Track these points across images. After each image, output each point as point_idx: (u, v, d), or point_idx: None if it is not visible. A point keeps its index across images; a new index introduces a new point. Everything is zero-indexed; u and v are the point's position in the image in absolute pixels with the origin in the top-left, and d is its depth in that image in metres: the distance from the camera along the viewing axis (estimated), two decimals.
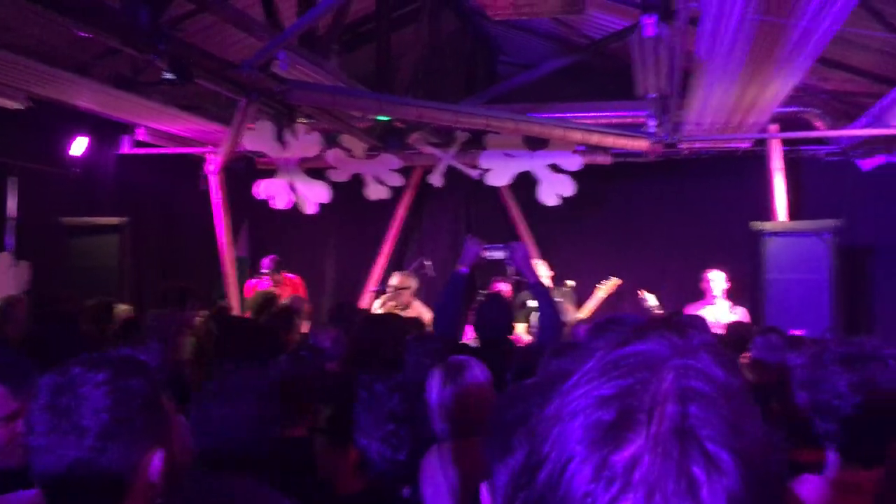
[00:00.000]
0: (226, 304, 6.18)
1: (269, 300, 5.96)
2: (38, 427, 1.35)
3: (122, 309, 5.98)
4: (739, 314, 7.16)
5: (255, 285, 7.89)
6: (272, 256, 7.96)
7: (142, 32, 4.52)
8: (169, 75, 4.67)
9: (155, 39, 4.56)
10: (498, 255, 4.52)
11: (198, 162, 8.92)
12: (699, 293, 7.52)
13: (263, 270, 7.91)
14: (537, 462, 0.68)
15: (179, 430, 3.11)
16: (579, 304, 7.37)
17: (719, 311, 7.19)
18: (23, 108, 6.32)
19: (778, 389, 3.19)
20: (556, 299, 7.09)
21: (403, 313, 7.26)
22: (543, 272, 7.19)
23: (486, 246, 4.51)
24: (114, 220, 7.81)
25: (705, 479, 0.61)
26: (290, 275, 8.13)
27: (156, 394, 1.44)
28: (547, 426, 0.69)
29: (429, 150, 8.61)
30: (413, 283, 7.23)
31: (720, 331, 6.50)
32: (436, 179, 8.68)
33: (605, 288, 7.37)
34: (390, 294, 7.20)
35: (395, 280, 7.35)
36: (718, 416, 0.65)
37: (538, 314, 4.40)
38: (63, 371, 1.39)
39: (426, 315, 7.09)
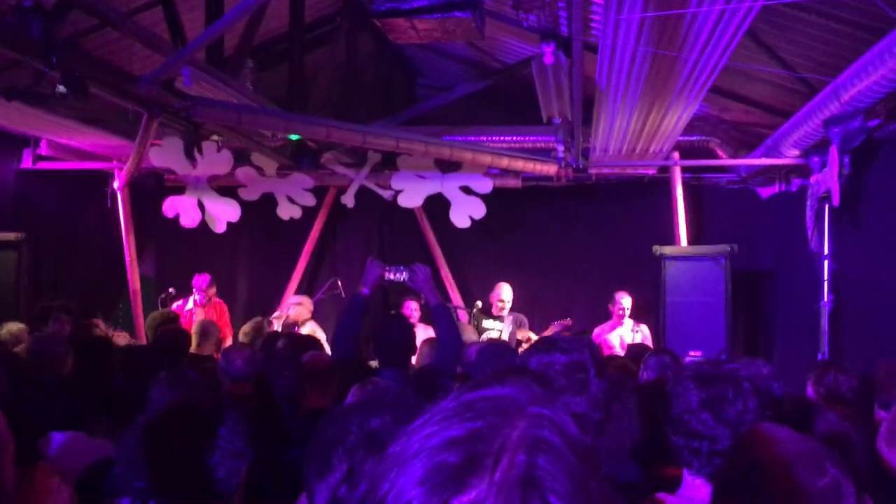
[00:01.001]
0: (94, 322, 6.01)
1: (166, 321, 5.85)
2: None
3: (15, 328, 5.77)
4: (643, 333, 7.36)
5: (182, 306, 7.70)
6: (206, 276, 7.79)
7: (34, 45, 4.39)
8: (62, 89, 4.54)
9: (48, 52, 4.43)
10: (399, 276, 4.53)
11: (104, 178, 8.70)
12: (606, 314, 7.71)
13: (197, 290, 7.71)
14: (375, 501, 0.65)
15: (63, 447, 3.01)
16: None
17: (624, 331, 7.39)
18: None
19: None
20: (507, 327, 7.25)
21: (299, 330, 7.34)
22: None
23: (387, 268, 4.53)
24: (11, 235, 7.51)
25: None
26: (217, 299, 7.99)
27: None
28: (388, 465, 0.67)
29: (341, 170, 8.60)
30: (307, 303, 7.52)
31: (621, 351, 6.68)
32: (348, 200, 8.66)
33: (553, 328, 7.51)
34: (290, 310, 7.38)
35: (293, 300, 7.66)
36: (566, 472, 0.64)
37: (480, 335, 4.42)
38: None
39: (320, 334, 7.19)
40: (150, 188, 8.05)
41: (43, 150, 8.04)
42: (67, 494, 2.76)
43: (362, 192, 8.68)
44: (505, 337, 7.15)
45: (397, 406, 1.28)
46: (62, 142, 7.90)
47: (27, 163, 8.09)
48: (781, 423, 1.65)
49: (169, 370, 3.02)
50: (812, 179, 6.85)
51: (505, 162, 7.38)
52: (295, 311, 7.56)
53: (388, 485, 0.65)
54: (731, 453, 1.69)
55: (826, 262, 6.59)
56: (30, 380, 3.41)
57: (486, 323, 7.35)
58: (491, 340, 6.45)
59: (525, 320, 7.57)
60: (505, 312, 7.44)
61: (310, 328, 7.36)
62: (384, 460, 0.69)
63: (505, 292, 7.54)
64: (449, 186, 8.38)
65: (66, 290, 8.41)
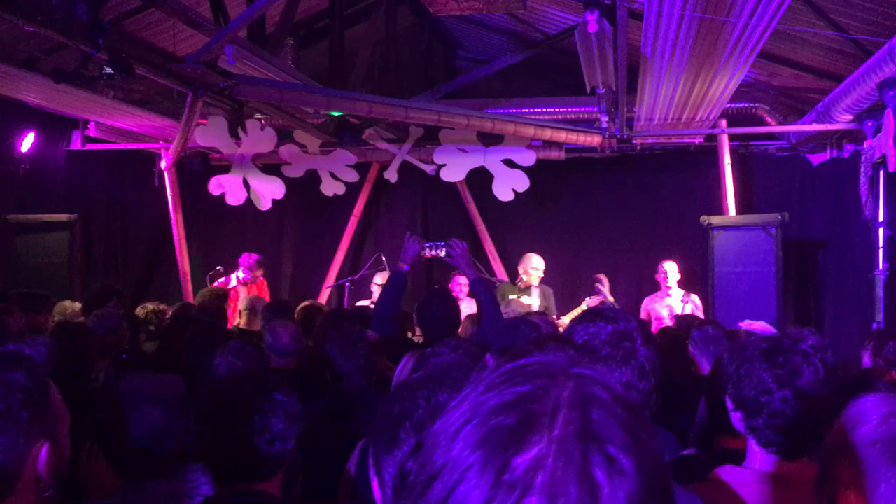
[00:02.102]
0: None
1: (218, 297, 5.95)
2: None
3: (69, 306, 5.91)
4: (693, 303, 7.27)
5: (225, 283, 7.79)
6: (255, 256, 7.85)
7: (80, 27, 4.45)
8: (109, 70, 4.61)
9: (94, 34, 4.49)
10: (438, 252, 4.55)
11: (151, 158, 8.83)
12: (653, 286, 7.63)
13: (245, 268, 7.79)
14: (431, 474, 0.66)
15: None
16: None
17: (674, 301, 7.30)
18: None
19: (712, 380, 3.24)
20: (535, 300, 7.17)
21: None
22: None
23: (426, 244, 4.54)
24: (63, 216, 7.69)
25: (607, 482, 0.61)
26: (261, 278, 8.07)
27: (40, 387, 1.44)
28: (438, 439, 0.68)
29: (383, 145, 8.60)
30: None
31: (670, 323, 6.61)
32: (391, 175, 8.67)
33: (586, 303, 7.40)
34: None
35: (379, 279, 7.58)
36: (618, 423, 0.65)
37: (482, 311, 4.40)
38: None
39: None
40: (197, 167, 8.14)
41: (91, 131, 8.19)
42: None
43: (405, 167, 8.68)
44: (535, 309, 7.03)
45: (464, 379, 1.28)
46: (110, 123, 8.02)
47: (76, 144, 8.25)
48: (846, 392, 1.62)
49: (231, 343, 3.08)
50: (866, 145, 6.66)
51: (548, 133, 7.30)
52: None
53: (443, 456, 0.65)
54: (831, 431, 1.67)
55: (881, 230, 6.42)
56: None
57: (513, 296, 7.22)
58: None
59: (551, 293, 7.43)
60: (534, 284, 7.33)
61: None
62: (432, 437, 0.69)
63: (532, 261, 7.39)
64: (491, 160, 8.33)
65: (116, 268, 8.61)
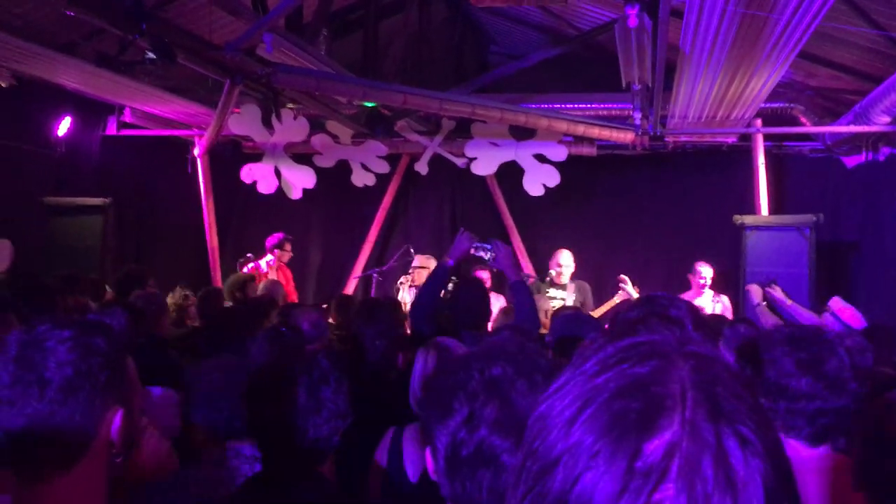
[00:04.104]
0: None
1: (242, 283, 5.99)
2: (3, 379, 1.37)
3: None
4: (723, 304, 7.23)
5: (255, 268, 7.83)
6: (279, 235, 7.89)
7: (124, 12, 4.50)
8: (151, 55, 4.66)
9: (138, 19, 4.54)
10: (485, 255, 4.56)
11: (185, 145, 8.91)
12: (684, 284, 7.58)
13: (268, 249, 7.84)
14: (547, 462, 0.63)
15: (165, 401, 3.13)
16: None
17: (704, 301, 7.26)
18: (6, 85, 6.29)
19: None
20: (570, 294, 7.16)
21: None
22: None
23: (476, 244, 4.55)
24: (97, 200, 7.78)
25: (742, 464, 0.59)
26: (284, 265, 8.10)
27: (119, 354, 1.47)
28: (548, 425, 0.65)
29: (415, 137, 8.62)
30: (432, 263, 7.43)
31: None
32: (422, 167, 8.68)
33: (622, 294, 7.39)
34: (412, 273, 7.51)
35: (417, 262, 7.62)
36: (742, 402, 0.64)
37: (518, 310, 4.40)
38: (30, 328, 1.42)
39: None
40: (229, 155, 8.19)
41: (127, 117, 8.27)
42: (167, 447, 2.87)
43: (435, 160, 8.69)
44: (570, 304, 7.05)
45: (519, 356, 1.29)
46: (145, 109, 8.10)
47: (112, 130, 8.34)
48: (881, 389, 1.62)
49: (267, 328, 3.09)
50: None
51: (581, 129, 7.28)
52: (420, 275, 7.59)
53: (560, 443, 0.63)
54: (866, 424, 1.67)
55: None
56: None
57: (550, 292, 7.26)
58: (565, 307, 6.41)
59: (588, 288, 7.42)
60: (565, 280, 7.33)
61: None
62: (538, 421, 0.67)
63: (563, 257, 7.40)
64: (523, 154, 8.32)
65: (148, 252, 8.70)
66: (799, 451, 1.82)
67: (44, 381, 1.35)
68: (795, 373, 1.83)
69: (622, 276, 7.32)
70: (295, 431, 1.89)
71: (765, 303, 6.52)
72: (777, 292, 6.60)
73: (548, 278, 7.42)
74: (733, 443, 0.60)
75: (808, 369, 1.82)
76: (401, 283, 7.71)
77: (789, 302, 6.40)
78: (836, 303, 5.05)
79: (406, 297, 7.51)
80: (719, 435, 0.60)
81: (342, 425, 1.97)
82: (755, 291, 6.68)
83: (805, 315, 5.94)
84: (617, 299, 7.34)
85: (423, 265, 7.54)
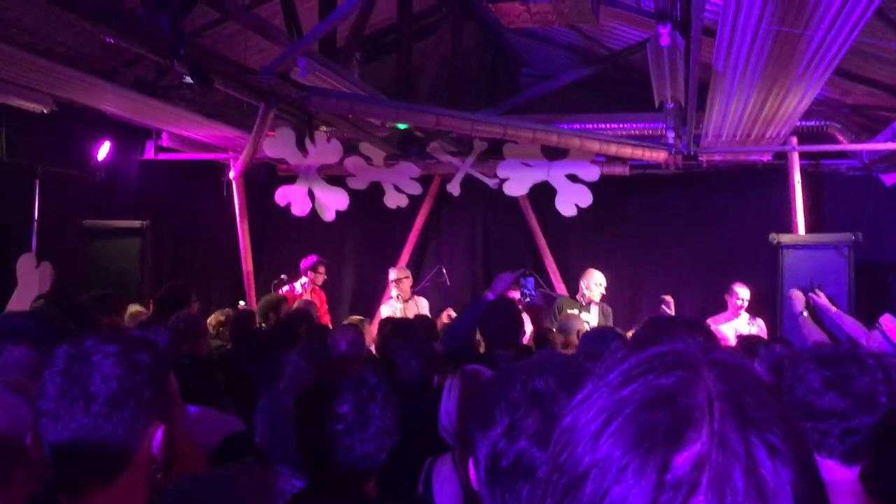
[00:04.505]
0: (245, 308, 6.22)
1: (276, 304, 6.05)
2: (49, 392, 1.40)
3: (134, 309, 6.09)
4: (758, 327, 7.13)
5: (288, 291, 7.90)
6: (313, 258, 7.97)
7: (163, 38, 4.60)
8: (189, 80, 4.75)
9: (176, 45, 4.64)
10: (523, 291, 4.62)
11: (221, 168, 9.05)
12: (718, 305, 7.49)
13: (302, 272, 7.91)
14: (575, 477, 0.63)
15: (203, 419, 3.15)
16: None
17: (740, 323, 7.16)
18: (47, 111, 6.45)
19: None
20: (594, 317, 7.12)
21: (405, 306, 7.47)
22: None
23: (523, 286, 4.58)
24: (135, 223, 7.92)
25: (772, 474, 0.59)
26: (318, 288, 8.16)
27: (163, 370, 1.50)
28: (576, 436, 0.65)
29: (447, 158, 8.66)
30: (408, 273, 7.81)
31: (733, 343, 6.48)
32: (454, 188, 8.72)
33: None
34: (395, 289, 7.66)
35: (392, 275, 7.76)
36: (770, 410, 0.63)
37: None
38: (77, 342, 1.45)
39: (424, 306, 7.34)
40: (264, 178, 8.30)
41: (164, 141, 8.42)
42: (202, 464, 2.89)
43: (468, 181, 8.72)
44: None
45: (563, 369, 1.29)
46: (182, 134, 8.25)
47: (150, 154, 8.50)
48: None
49: (300, 347, 3.11)
50: None
51: (613, 149, 7.27)
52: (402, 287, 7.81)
53: (588, 456, 0.62)
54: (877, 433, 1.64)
55: None
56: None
57: (573, 310, 7.15)
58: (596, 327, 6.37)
59: (610, 311, 7.34)
60: (596, 299, 7.28)
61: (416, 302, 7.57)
62: (563, 434, 0.66)
63: (596, 278, 7.34)
64: (555, 174, 8.31)
65: (185, 274, 8.81)
66: (834, 472, 1.79)
67: (89, 395, 1.38)
68: (821, 390, 1.80)
69: (667, 296, 7.22)
70: (341, 448, 1.89)
71: (807, 312, 6.41)
72: (821, 298, 6.49)
73: (580, 297, 7.38)
74: (762, 452, 0.59)
75: (834, 386, 1.79)
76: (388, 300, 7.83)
77: (834, 309, 6.29)
78: (888, 321, 4.95)
79: (388, 311, 7.57)
80: (748, 444, 0.59)
81: (388, 443, 1.96)
82: (798, 298, 6.58)
83: (850, 324, 5.82)
84: None
85: (400, 277, 7.82)
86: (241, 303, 6.04)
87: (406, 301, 7.79)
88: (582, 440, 0.64)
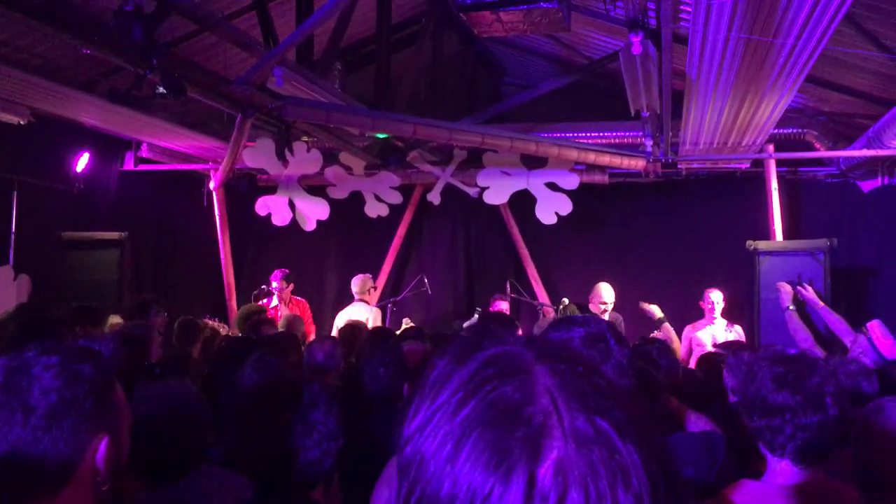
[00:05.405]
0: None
1: (249, 315, 6.05)
2: None
3: (116, 321, 6.06)
4: (736, 333, 7.15)
5: (267, 303, 7.88)
6: (282, 270, 7.96)
7: (136, 48, 4.59)
8: (162, 90, 4.74)
9: (149, 55, 4.63)
10: None
11: (201, 179, 9.03)
12: (697, 312, 7.52)
13: (273, 283, 7.90)
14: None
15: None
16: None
17: (717, 329, 7.19)
18: (24, 123, 6.42)
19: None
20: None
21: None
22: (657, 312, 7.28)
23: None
24: (114, 234, 7.89)
25: (626, 451, 0.60)
26: (297, 297, 8.14)
27: (106, 381, 1.47)
28: (432, 463, 0.62)
29: (428, 168, 8.67)
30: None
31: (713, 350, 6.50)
32: (434, 197, 8.73)
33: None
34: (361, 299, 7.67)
35: (356, 286, 7.76)
36: (605, 391, 0.64)
37: None
38: (18, 354, 1.43)
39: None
40: (245, 188, 8.29)
41: (144, 152, 8.40)
42: None
43: (448, 190, 8.74)
44: None
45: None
46: (162, 144, 8.23)
47: (129, 165, 8.48)
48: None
49: (254, 358, 3.10)
50: None
51: (591, 157, 7.30)
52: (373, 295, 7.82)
53: (449, 485, 0.60)
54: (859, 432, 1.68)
55: None
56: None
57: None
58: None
59: (621, 321, 7.38)
60: (607, 316, 7.30)
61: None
62: (419, 464, 0.63)
63: (606, 293, 7.44)
64: (535, 183, 8.34)
65: (165, 285, 8.79)
66: (785, 474, 1.80)
67: (28, 408, 1.36)
68: (773, 387, 1.83)
69: (645, 304, 7.30)
70: (287, 455, 1.89)
71: (793, 307, 6.44)
72: (809, 292, 6.52)
73: (565, 304, 7.41)
74: (613, 434, 0.60)
75: (785, 384, 1.82)
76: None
77: (821, 304, 6.33)
78: (877, 327, 4.96)
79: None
80: (599, 429, 0.60)
81: (333, 448, 1.97)
82: (786, 292, 6.61)
83: (836, 321, 5.86)
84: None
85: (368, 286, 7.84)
86: (207, 317, 6.06)
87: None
88: (436, 471, 0.61)
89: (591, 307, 7.42)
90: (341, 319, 7.37)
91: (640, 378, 2.47)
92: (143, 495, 2.07)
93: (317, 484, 1.96)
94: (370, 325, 6.41)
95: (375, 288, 7.94)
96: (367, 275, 8.10)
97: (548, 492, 0.57)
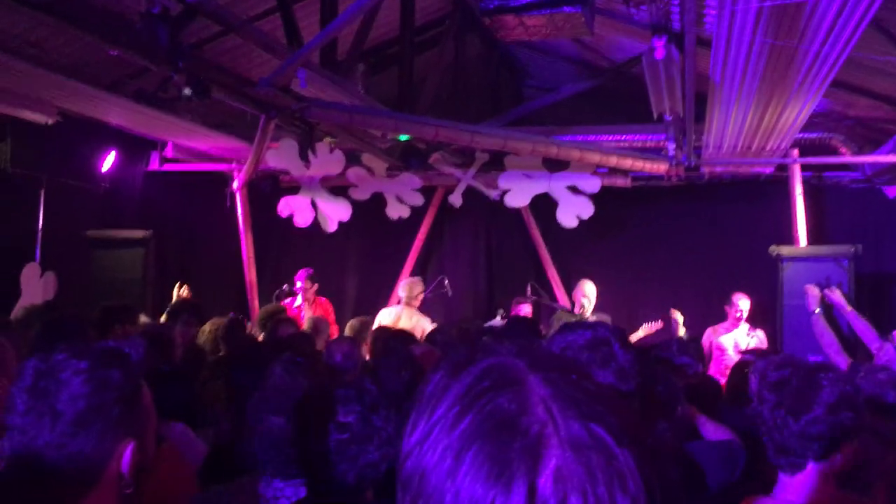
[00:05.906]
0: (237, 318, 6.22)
1: (273, 314, 6.08)
2: (17, 406, 1.39)
3: (144, 321, 6.12)
4: (757, 339, 7.10)
5: (290, 303, 7.92)
6: (307, 270, 7.99)
7: (161, 50, 4.65)
8: (187, 91, 4.80)
9: (174, 57, 4.69)
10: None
11: (225, 179, 9.10)
12: (719, 317, 7.48)
13: (297, 283, 7.94)
14: None
15: (180, 435, 3.16)
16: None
17: (739, 334, 7.15)
18: (52, 123, 6.52)
19: None
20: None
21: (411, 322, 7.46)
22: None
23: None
24: (139, 233, 7.98)
25: (622, 455, 0.61)
26: (321, 298, 8.17)
27: (134, 387, 1.48)
28: (433, 477, 0.63)
29: (449, 170, 8.68)
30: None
31: (734, 355, 6.46)
32: (456, 199, 8.73)
33: (644, 329, 7.41)
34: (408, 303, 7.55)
35: (403, 291, 7.69)
36: (598, 397, 0.65)
37: None
38: (47, 357, 1.43)
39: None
40: (268, 189, 8.35)
41: (168, 152, 8.48)
42: (189, 473, 2.90)
43: (470, 192, 8.74)
44: None
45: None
46: (186, 145, 8.31)
47: (154, 165, 8.57)
48: None
49: (284, 359, 3.11)
50: None
51: (613, 160, 7.27)
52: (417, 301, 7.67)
53: (452, 497, 0.61)
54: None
55: None
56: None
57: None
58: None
59: (609, 320, 7.37)
60: (588, 312, 7.31)
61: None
62: (419, 478, 0.64)
63: (587, 288, 7.43)
64: (556, 186, 8.32)
65: (187, 284, 8.85)
66: (795, 490, 1.79)
67: (56, 413, 1.36)
68: (769, 400, 1.84)
69: (676, 312, 7.30)
70: (346, 458, 1.88)
71: (820, 310, 6.37)
72: (836, 295, 6.45)
73: (579, 310, 7.41)
74: (610, 439, 0.62)
75: (775, 392, 1.83)
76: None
77: (849, 308, 6.26)
78: None
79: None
80: (595, 436, 0.61)
81: (392, 452, 1.95)
82: (813, 295, 6.55)
83: (863, 327, 5.79)
84: (641, 333, 7.34)
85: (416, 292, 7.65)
86: (232, 313, 6.09)
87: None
88: (438, 485, 0.62)
89: (574, 301, 7.42)
90: (386, 319, 7.27)
91: (661, 387, 2.46)
92: (197, 495, 2.08)
93: (369, 486, 1.95)
94: (418, 335, 5.94)
95: (423, 292, 7.82)
96: (417, 278, 8.01)
97: (548, 500, 0.59)
